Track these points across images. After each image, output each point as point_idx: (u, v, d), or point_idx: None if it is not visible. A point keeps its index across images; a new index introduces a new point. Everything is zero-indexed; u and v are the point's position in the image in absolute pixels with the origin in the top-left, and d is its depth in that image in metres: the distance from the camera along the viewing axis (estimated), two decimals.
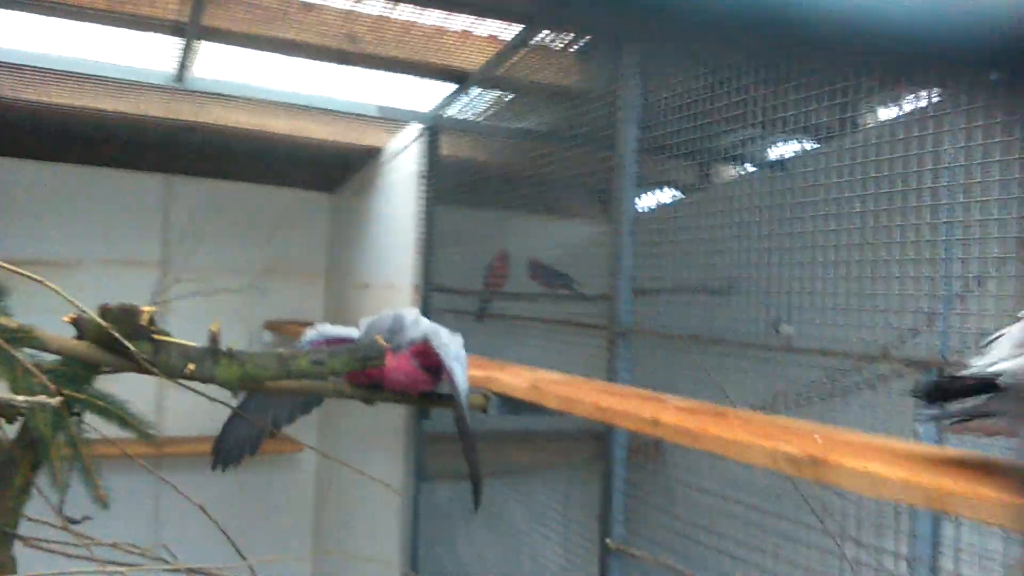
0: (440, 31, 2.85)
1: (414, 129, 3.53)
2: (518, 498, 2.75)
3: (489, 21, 2.78)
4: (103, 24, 2.59)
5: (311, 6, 2.66)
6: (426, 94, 3.36)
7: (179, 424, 4.56)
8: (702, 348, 1.82)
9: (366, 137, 3.93)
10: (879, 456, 0.98)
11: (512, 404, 1.84)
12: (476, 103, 3.14)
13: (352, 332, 1.80)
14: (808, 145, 2.00)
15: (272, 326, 4.78)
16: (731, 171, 2.45)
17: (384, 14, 2.73)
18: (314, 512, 5.02)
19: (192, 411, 4.37)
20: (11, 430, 1.68)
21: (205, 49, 2.86)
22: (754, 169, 2.25)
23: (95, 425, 1.60)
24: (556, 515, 2.38)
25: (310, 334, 1.85)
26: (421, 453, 3.38)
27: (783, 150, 2.20)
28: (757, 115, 1.77)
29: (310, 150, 4.34)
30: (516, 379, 1.81)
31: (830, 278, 1.55)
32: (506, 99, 3.06)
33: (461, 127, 3.23)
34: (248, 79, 3.15)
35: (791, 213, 1.66)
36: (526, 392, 1.71)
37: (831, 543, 1.52)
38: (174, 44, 2.73)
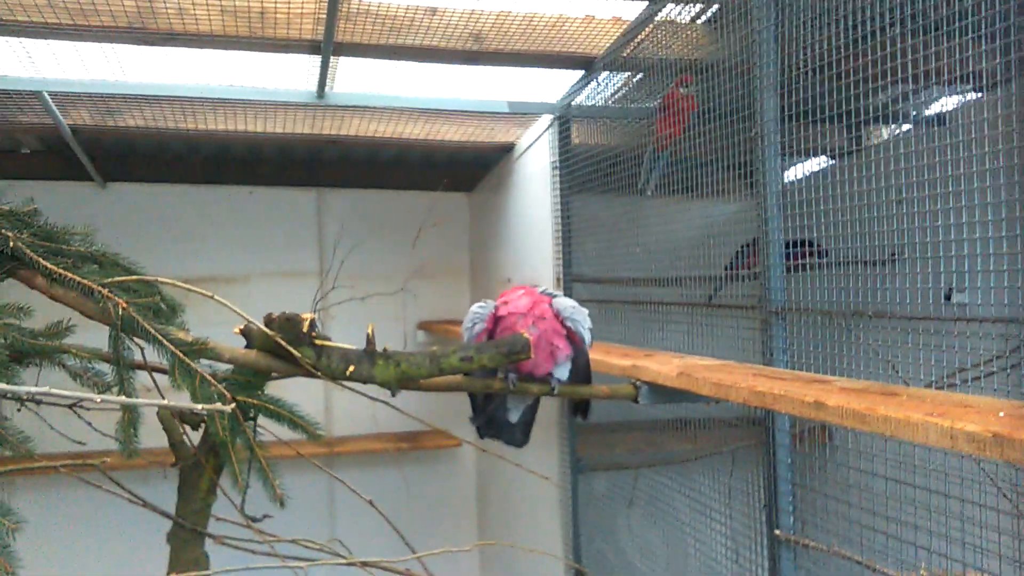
0: (562, 19, 2.83)
1: (545, 121, 3.53)
2: (678, 488, 2.69)
3: (612, 2, 2.74)
4: (247, 50, 2.76)
5: (435, 10, 2.71)
6: (555, 85, 3.35)
7: (346, 424, 4.81)
8: (866, 325, 1.70)
9: (498, 134, 3.97)
10: None
11: (663, 392, 1.80)
12: (605, 88, 3.10)
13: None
14: (969, 95, 1.83)
15: (424, 326, 4.94)
16: (886, 131, 2.28)
17: (505, 9, 2.74)
18: (477, 505, 5.14)
19: (358, 411, 4.60)
20: (195, 437, 1.83)
21: (341, 65, 2.99)
22: (910, 127, 2.08)
23: (270, 428, 1.70)
24: (719, 505, 2.31)
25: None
26: (576, 444, 3.38)
27: (942, 104, 2.02)
28: (907, 68, 1.63)
29: (447, 152, 4.45)
30: (665, 366, 1.76)
31: (1003, 237, 1.41)
32: (635, 80, 3.00)
33: (591, 113, 3.20)
34: (382, 90, 3.25)
35: (955, 171, 1.52)
36: (675, 379, 1.66)
37: None
38: (311, 62, 2.87)
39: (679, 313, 2.48)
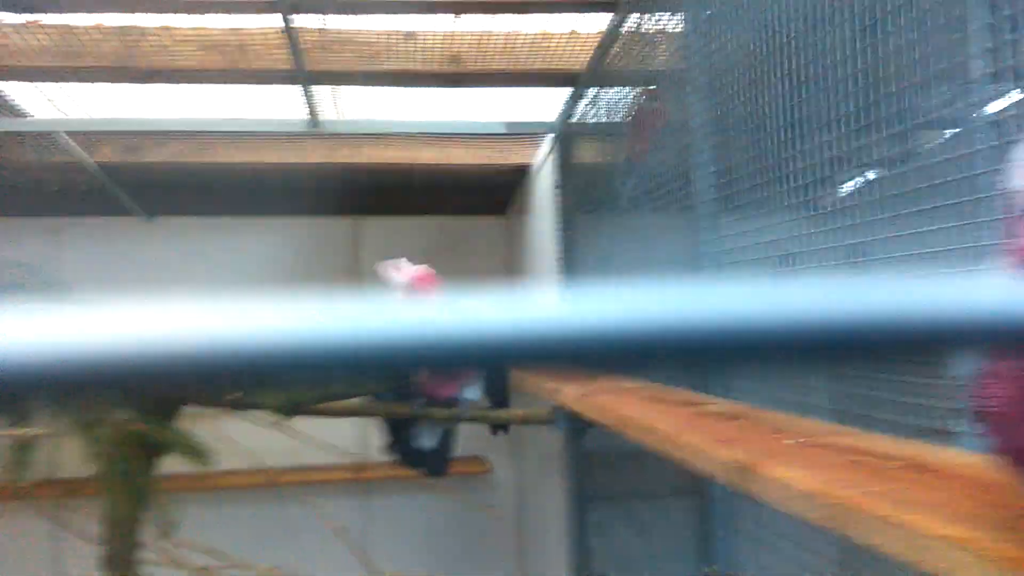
0: (545, 35, 2.79)
1: (548, 140, 3.48)
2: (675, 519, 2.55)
3: (591, 16, 2.67)
4: (231, 83, 2.83)
5: (413, 34, 2.72)
6: (555, 103, 3.29)
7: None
8: None
9: (512, 155, 3.93)
10: (822, 461, 0.75)
11: (574, 416, 1.70)
12: (597, 103, 3.02)
13: None
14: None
15: None
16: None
17: (486, 29, 2.73)
18: (512, 533, 5.04)
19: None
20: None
21: (328, 93, 3.03)
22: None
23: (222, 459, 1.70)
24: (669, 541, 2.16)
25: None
26: (582, 472, 3.27)
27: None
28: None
29: (466, 176, 4.43)
30: (578, 389, 1.67)
31: None
32: (625, 93, 2.90)
33: (585, 131, 3.12)
34: (374, 116, 3.28)
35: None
36: (575, 403, 1.57)
37: None
38: (297, 92, 2.91)
39: None
